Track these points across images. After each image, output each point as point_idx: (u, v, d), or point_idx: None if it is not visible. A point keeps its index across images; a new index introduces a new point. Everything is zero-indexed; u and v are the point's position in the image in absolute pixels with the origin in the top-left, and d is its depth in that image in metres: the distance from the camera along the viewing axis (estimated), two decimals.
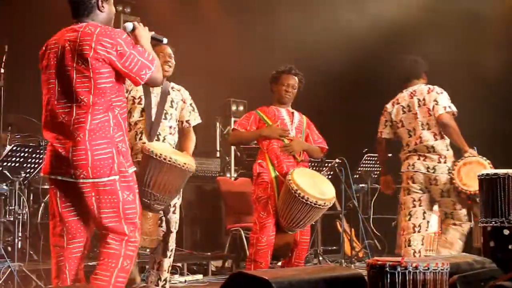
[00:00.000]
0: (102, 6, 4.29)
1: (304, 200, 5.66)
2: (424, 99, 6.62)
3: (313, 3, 10.42)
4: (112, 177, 4.12)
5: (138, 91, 5.69)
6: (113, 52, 4.11)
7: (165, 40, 4.73)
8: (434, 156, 6.52)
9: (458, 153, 6.55)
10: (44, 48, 4.36)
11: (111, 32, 4.17)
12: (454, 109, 6.61)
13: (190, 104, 6.03)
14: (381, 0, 9.94)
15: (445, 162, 6.53)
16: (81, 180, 4.09)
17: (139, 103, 5.69)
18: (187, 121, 5.98)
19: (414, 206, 6.60)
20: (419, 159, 6.59)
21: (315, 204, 5.70)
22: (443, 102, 6.56)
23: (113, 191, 4.13)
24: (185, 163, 5.15)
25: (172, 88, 5.92)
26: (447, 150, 6.59)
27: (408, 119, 6.70)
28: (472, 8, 9.64)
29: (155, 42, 4.72)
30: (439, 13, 10.02)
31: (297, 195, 5.66)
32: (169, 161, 5.06)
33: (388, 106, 6.90)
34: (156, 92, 5.75)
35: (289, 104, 6.43)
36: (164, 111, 5.76)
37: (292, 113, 6.43)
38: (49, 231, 6.82)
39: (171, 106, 5.82)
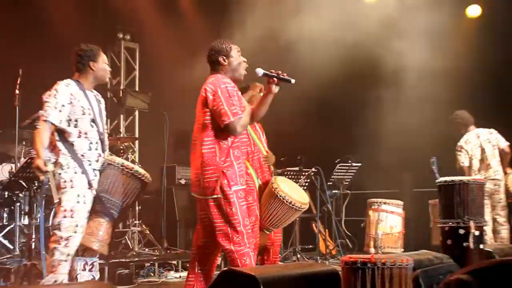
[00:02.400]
0: (224, 61, 4.85)
1: (291, 205, 5.67)
2: (488, 138, 8.17)
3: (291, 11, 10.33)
4: (214, 196, 4.61)
5: (85, 102, 5.15)
6: (210, 96, 4.66)
7: (293, 81, 4.78)
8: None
9: None
10: None
11: (217, 81, 4.74)
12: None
13: None
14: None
15: None
16: (197, 196, 4.73)
17: (89, 114, 5.12)
18: None
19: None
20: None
21: (298, 207, 5.72)
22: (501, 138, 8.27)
23: (217, 206, 4.62)
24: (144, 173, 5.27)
25: (97, 96, 5.40)
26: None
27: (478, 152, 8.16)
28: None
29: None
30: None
31: (285, 201, 5.66)
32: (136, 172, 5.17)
33: (463, 144, 8.28)
34: (94, 102, 5.26)
35: None
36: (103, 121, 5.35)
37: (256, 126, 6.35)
38: None
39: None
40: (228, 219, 4.60)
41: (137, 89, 11.02)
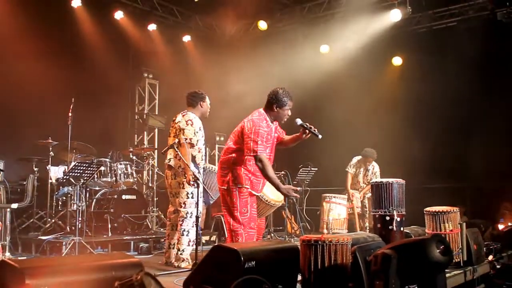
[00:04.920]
0: (275, 109, 4.69)
1: (267, 203, 5.64)
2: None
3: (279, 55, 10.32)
4: (223, 187, 4.68)
5: (202, 128, 5.67)
6: (246, 129, 4.58)
7: (320, 136, 4.62)
8: None
9: None
10: None
11: (258, 120, 4.62)
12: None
13: None
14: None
15: None
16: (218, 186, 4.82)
17: (202, 136, 5.64)
18: None
19: None
20: None
21: (273, 205, 5.69)
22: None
23: (224, 195, 4.71)
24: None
25: None
26: None
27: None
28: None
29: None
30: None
31: (265, 201, 5.63)
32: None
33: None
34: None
35: None
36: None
37: None
38: (98, 216, 6.68)
39: None
40: (229, 205, 4.65)
41: (157, 113, 11.01)
